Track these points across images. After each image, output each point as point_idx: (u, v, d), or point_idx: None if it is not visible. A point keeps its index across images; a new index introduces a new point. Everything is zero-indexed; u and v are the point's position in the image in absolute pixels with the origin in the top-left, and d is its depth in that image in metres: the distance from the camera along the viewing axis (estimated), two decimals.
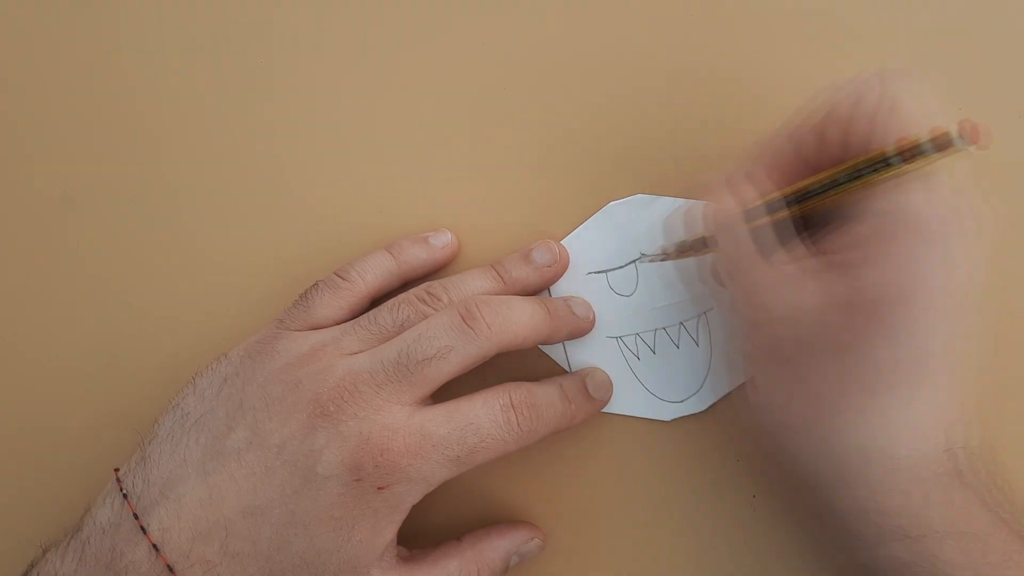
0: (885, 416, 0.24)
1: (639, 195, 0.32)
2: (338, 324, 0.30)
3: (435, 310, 0.29)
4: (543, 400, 0.29)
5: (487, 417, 0.27)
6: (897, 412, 0.24)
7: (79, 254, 0.34)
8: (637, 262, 0.32)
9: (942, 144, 0.22)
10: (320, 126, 0.33)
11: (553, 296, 0.32)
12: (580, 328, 0.31)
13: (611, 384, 0.32)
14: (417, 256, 0.32)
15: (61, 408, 0.33)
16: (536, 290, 0.32)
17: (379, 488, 0.26)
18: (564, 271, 0.32)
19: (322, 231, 0.33)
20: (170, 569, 0.25)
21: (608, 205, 0.32)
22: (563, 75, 0.33)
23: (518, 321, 0.28)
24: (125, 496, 0.27)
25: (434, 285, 0.30)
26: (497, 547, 0.30)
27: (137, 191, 0.34)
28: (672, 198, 0.32)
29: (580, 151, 0.33)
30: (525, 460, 0.32)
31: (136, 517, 0.26)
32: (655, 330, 0.32)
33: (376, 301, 0.31)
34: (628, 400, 0.32)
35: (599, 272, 0.32)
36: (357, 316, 0.30)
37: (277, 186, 0.33)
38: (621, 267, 0.32)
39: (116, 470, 0.28)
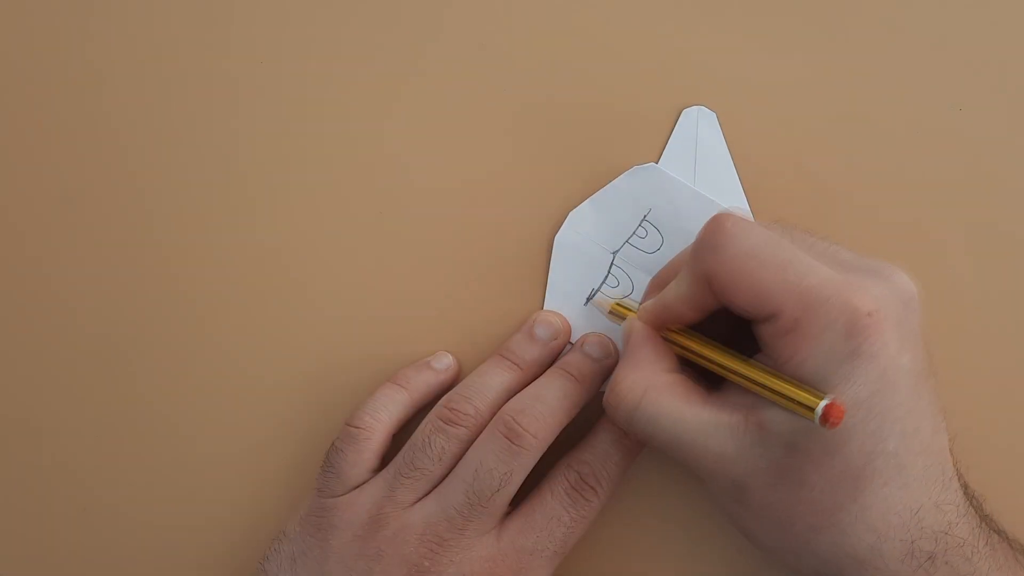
0: (841, 530, 0.24)
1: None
2: (372, 471, 0.30)
3: (465, 427, 0.29)
4: (596, 457, 0.29)
5: (560, 506, 0.28)
6: (850, 523, 0.24)
7: (79, 254, 0.33)
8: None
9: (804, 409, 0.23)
10: (320, 123, 0.33)
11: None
12: (607, 370, 0.31)
13: (607, 340, 0.31)
14: (426, 383, 0.31)
15: (59, 407, 0.33)
16: (549, 364, 0.32)
17: None
18: (568, 338, 0.32)
19: (323, 228, 0.33)
20: None
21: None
22: (559, 71, 0.33)
23: (555, 411, 0.29)
24: None
25: (454, 399, 0.30)
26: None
27: (137, 192, 0.33)
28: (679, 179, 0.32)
29: (577, 141, 0.32)
30: None
31: None
32: None
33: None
34: None
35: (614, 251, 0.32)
36: (383, 457, 0.30)
37: (277, 185, 0.33)
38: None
39: None
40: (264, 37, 0.33)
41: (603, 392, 0.30)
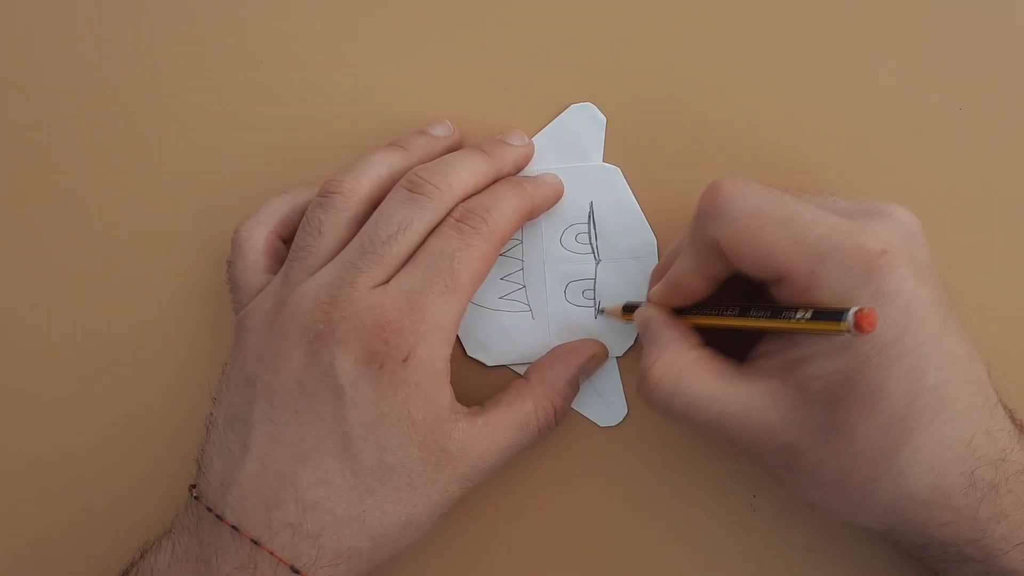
0: (899, 473, 0.24)
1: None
2: (268, 273, 0.30)
3: (341, 194, 0.28)
4: (487, 195, 0.29)
5: (444, 241, 0.27)
6: (907, 465, 0.24)
7: (79, 254, 0.33)
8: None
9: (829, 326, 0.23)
10: (318, 119, 0.33)
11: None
12: (523, 155, 0.31)
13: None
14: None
15: (59, 406, 0.33)
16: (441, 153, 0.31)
17: (403, 360, 0.26)
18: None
19: None
20: (255, 543, 0.26)
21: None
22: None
23: (459, 168, 0.28)
24: (196, 498, 0.27)
25: (333, 177, 0.29)
26: (562, 377, 0.30)
27: (137, 191, 0.33)
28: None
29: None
30: (521, 463, 0.32)
31: (209, 510, 0.27)
32: None
33: None
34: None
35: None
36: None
37: (277, 183, 0.33)
38: None
39: (191, 487, 0.28)
40: (264, 37, 0.34)
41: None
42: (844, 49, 0.32)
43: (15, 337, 0.34)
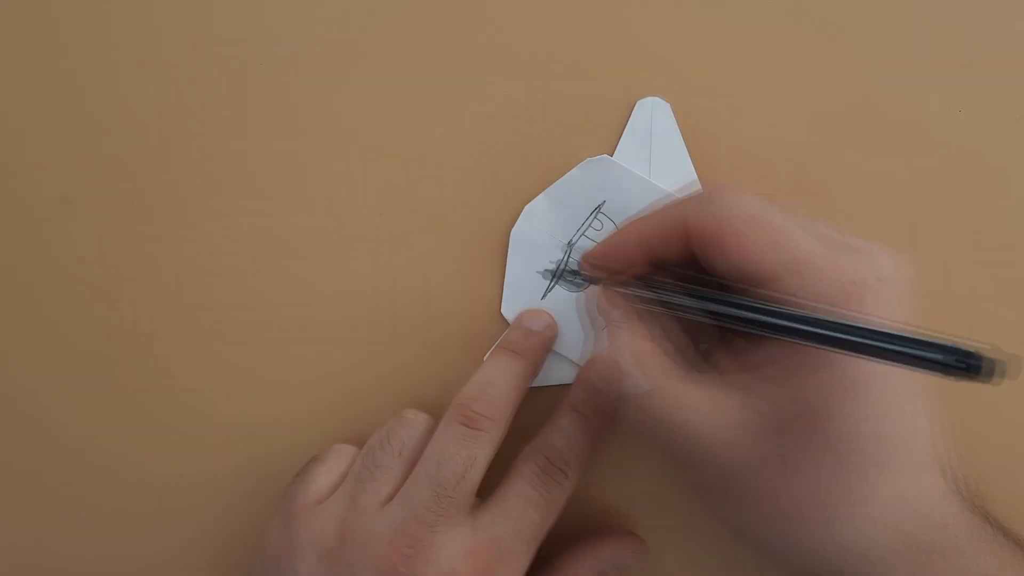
0: (837, 520, 0.24)
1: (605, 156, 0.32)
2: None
3: (414, 417, 0.29)
4: (562, 440, 0.29)
5: (532, 490, 0.28)
6: (846, 515, 0.23)
7: (79, 255, 0.34)
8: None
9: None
10: (319, 124, 0.33)
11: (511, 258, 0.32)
12: (549, 340, 0.31)
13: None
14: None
15: (58, 409, 0.33)
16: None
17: None
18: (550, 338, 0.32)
19: (325, 232, 0.33)
20: None
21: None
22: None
23: (507, 392, 0.29)
24: None
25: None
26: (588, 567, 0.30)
27: (138, 192, 0.34)
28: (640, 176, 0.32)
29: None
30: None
31: None
32: None
33: None
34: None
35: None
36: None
37: (276, 184, 0.33)
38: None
39: None
40: (266, 39, 0.34)
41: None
42: (843, 50, 0.32)
43: (15, 337, 0.34)
